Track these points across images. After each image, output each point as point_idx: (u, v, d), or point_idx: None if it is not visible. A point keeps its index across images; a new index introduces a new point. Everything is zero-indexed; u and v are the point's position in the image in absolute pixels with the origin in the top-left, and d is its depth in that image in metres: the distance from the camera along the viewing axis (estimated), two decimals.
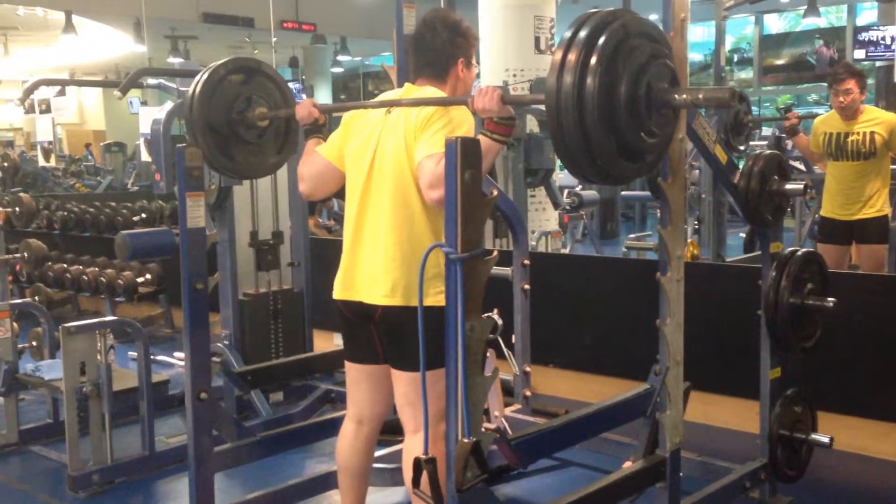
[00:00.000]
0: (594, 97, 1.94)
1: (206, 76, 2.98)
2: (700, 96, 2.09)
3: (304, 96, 16.43)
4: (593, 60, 1.95)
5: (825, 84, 16.20)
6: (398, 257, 2.51)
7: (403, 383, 2.59)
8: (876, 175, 4.76)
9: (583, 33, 1.98)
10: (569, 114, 1.95)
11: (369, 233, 2.58)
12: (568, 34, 2.00)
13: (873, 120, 4.72)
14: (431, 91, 2.57)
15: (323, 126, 2.85)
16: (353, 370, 2.77)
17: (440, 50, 2.58)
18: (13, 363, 4.08)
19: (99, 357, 3.65)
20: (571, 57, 1.96)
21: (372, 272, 2.56)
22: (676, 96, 2.09)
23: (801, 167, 8.52)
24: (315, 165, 2.72)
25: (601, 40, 1.97)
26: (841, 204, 4.85)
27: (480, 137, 2.23)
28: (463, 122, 2.45)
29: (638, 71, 2.03)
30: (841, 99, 4.70)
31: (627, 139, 2.04)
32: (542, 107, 2.08)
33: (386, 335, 2.61)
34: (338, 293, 2.66)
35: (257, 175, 3.42)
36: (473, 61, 2.67)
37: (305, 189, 2.77)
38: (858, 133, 4.70)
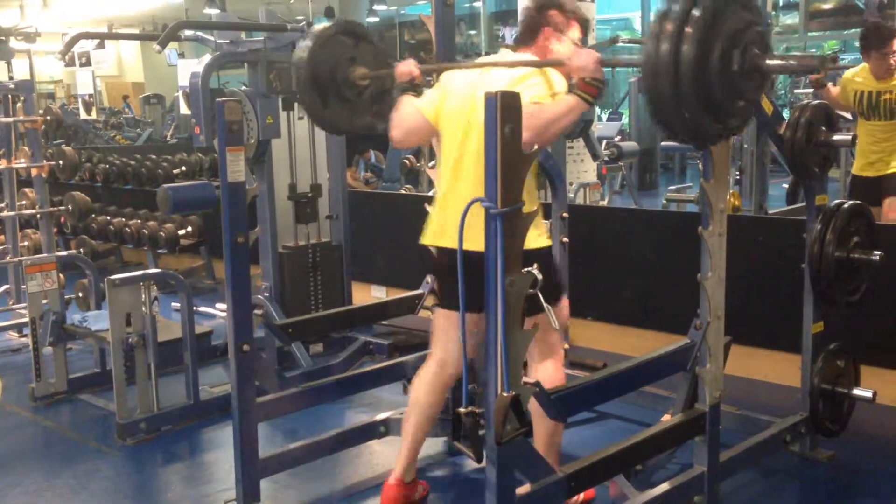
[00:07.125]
0: (691, 50, 2.00)
1: (317, 32, 3.15)
2: (792, 62, 2.17)
3: None
4: (689, 28, 2.01)
5: None
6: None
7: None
8: None
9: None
10: (666, 71, 2.00)
11: (463, 184, 2.69)
12: (665, 5, 2.07)
13: None
14: (528, 55, 2.72)
15: (418, 86, 2.95)
16: (441, 317, 2.91)
17: (528, 20, 2.78)
18: (60, 314, 4.17)
19: (144, 308, 3.72)
20: (668, 26, 2.01)
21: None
22: (768, 61, 2.11)
23: (848, 116, 8.30)
24: (413, 119, 2.84)
25: (697, 11, 2.02)
26: (871, 162, 4.75)
27: (570, 95, 2.42)
28: (557, 82, 2.57)
29: (732, 35, 2.06)
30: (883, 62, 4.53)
31: (716, 95, 2.07)
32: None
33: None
34: (429, 239, 2.81)
35: (348, 131, 3.56)
36: (568, 34, 2.74)
37: (398, 136, 2.89)
38: (892, 92, 4.56)
